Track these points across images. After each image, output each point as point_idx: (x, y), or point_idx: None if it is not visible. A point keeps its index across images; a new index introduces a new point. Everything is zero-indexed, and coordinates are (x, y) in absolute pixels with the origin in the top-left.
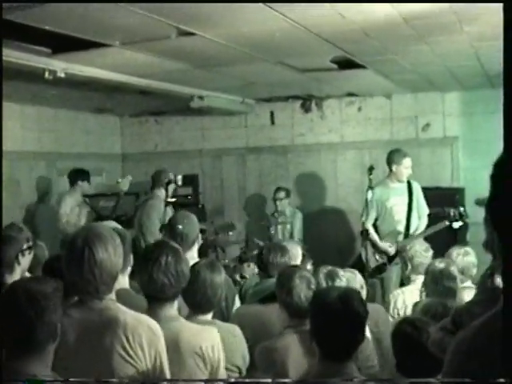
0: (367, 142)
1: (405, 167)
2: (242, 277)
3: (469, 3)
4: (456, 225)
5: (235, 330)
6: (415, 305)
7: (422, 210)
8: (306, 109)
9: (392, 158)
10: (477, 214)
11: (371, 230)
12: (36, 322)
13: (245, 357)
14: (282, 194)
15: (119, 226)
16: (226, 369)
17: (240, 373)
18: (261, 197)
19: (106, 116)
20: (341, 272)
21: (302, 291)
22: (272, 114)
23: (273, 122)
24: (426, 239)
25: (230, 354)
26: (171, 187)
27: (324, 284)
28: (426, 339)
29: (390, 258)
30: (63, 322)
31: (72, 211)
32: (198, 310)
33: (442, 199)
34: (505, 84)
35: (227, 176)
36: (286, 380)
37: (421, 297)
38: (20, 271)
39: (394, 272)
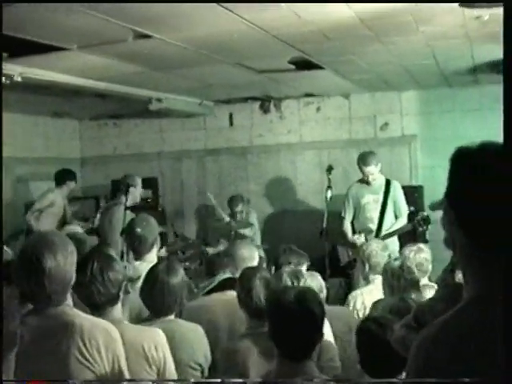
0: (326, 142)
1: (367, 174)
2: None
3: (424, 3)
4: (420, 229)
5: (197, 328)
6: (375, 303)
7: (400, 209)
8: (265, 110)
9: (358, 161)
10: (435, 212)
11: (345, 225)
12: None
13: (207, 355)
14: (239, 207)
15: (80, 231)
16: (189, 367)
17: (202, 371)
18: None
19: (65, 120)
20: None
21: (262, 292)
22: (231, 115)
23: (231, 124)
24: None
25: (192, 352)
26: (132, 191)
27: (290, 284)
28: (391, 336)
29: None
30: (21, 330)
31: (51, 207)
32: (159, 313)
33: None
34: (505, 82)
35: (187, 178)
36: (240, 380)
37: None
38: None
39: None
